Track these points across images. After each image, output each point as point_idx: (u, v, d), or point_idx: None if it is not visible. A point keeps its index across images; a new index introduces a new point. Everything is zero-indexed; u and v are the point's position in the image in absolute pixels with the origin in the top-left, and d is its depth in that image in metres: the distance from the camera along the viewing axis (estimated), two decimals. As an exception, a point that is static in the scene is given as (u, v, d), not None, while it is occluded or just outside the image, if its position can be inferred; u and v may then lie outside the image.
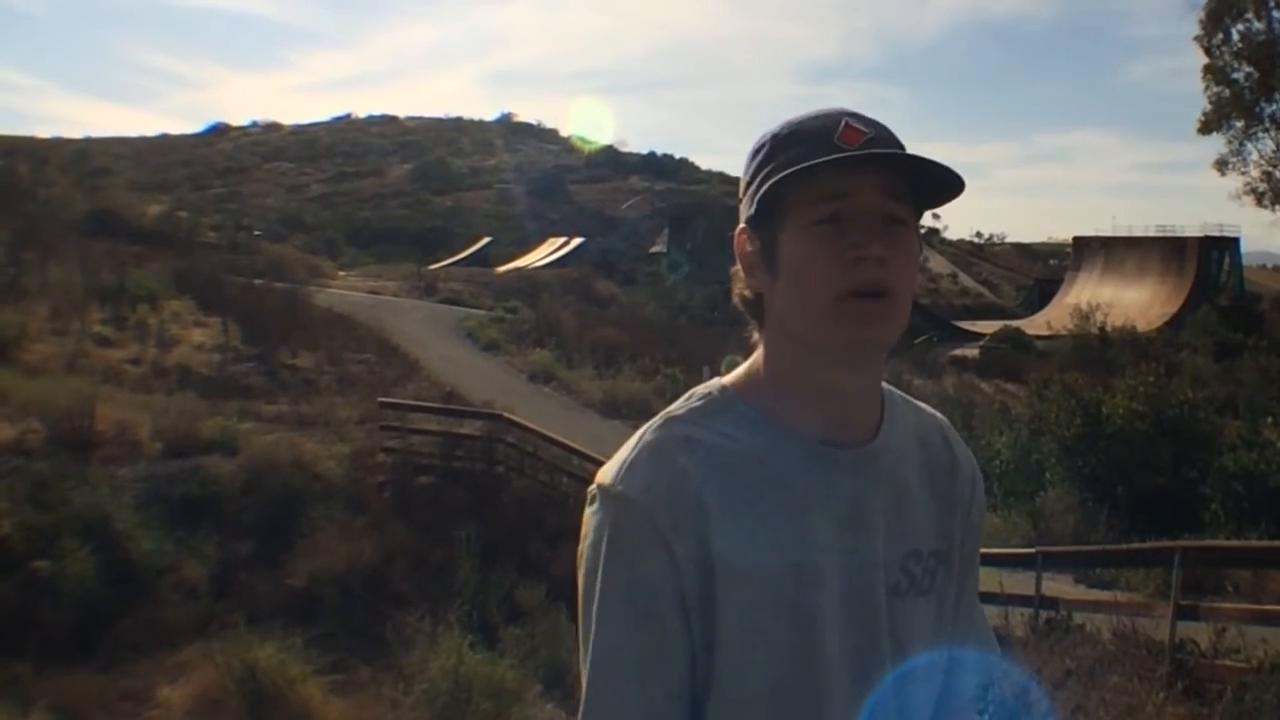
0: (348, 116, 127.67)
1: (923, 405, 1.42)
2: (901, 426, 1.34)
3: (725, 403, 1.28)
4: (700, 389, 1.31)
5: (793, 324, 1.24)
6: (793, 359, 1.26)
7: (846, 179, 1.20)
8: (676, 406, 1.29)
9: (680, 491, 1.19)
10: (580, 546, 1.24)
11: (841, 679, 1.23)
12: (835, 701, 1.23)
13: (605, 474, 1.25)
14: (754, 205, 1.25)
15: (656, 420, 1.27)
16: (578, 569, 1.24)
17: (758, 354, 1.31)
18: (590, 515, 1.24)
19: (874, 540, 1.27)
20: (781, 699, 1.21)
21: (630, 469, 1.22)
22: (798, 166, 1.19)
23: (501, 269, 52.58)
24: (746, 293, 1.30)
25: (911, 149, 1.22)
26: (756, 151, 1.28)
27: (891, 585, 1.28)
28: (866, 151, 1.20)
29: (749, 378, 1.30)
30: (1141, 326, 44.20)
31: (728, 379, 1.32)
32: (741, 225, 1.29)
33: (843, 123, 1.23)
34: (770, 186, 1.21)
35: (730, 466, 1.22)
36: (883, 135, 1.23)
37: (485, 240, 66.16)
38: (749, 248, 1.28)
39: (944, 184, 1.24)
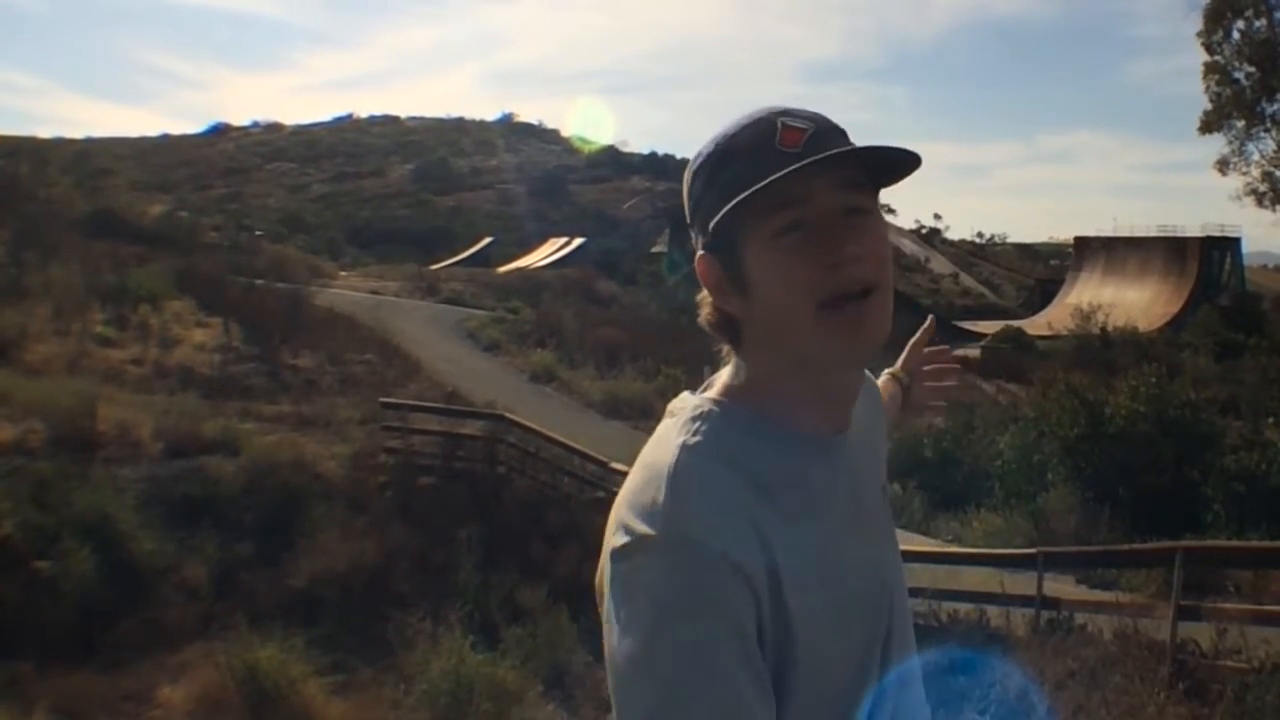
0: (349, 117, 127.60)
1: None
2: None
3: (729, 417, 1.22)
4: (691, 409, 1.24)
5: (780, 340, 1.20)
6: (784, 369, 1.22)
7: (799, 184, 1.14)
8: (686, 434, 1.20)
9: (738, 518, 1.12)
10: (626, 610, 1.11)
11: (882, 665, 1.23)
12: (874, 681, 1.23)
13: (644, 523, 1.13)
14: (708, 233, 1.20)
15: (674, 453, 1.18)
16: (619, 637, 1.10)
17: (736, 367, 1.26)
18: (634, 573, 1.11)
19: (879, 503, 1.30)
20: (844, 698, 1.19)
21: (680, 508, 1.12)
22: (746, 193, 1.13)
23: (503, 269, 52.52)
24: (716, 316, 1.25)
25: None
26: (695, 175, 1.22)
27: (890, 535, 1.32)
28: (816, 157, 1.14)
29: (738, 390, 1.25)
30: (1143, 327, 44.23)
31: (712, 394, 1.26)
32: (700, 253, 1.23)
33: (778, 125, 1.17)
34: (724, 214, 1.16)
35: (763, 481, 1.17)
36: (823, 127, 1.19)
37: (486, 240, 66.09)
38: (713, 275, 1.22)
39: (899, 163, 1.19)
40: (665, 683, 1.06)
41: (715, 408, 1.23)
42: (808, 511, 1.19)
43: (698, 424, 1.21)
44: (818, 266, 1.15)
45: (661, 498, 1.13)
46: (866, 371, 1.44)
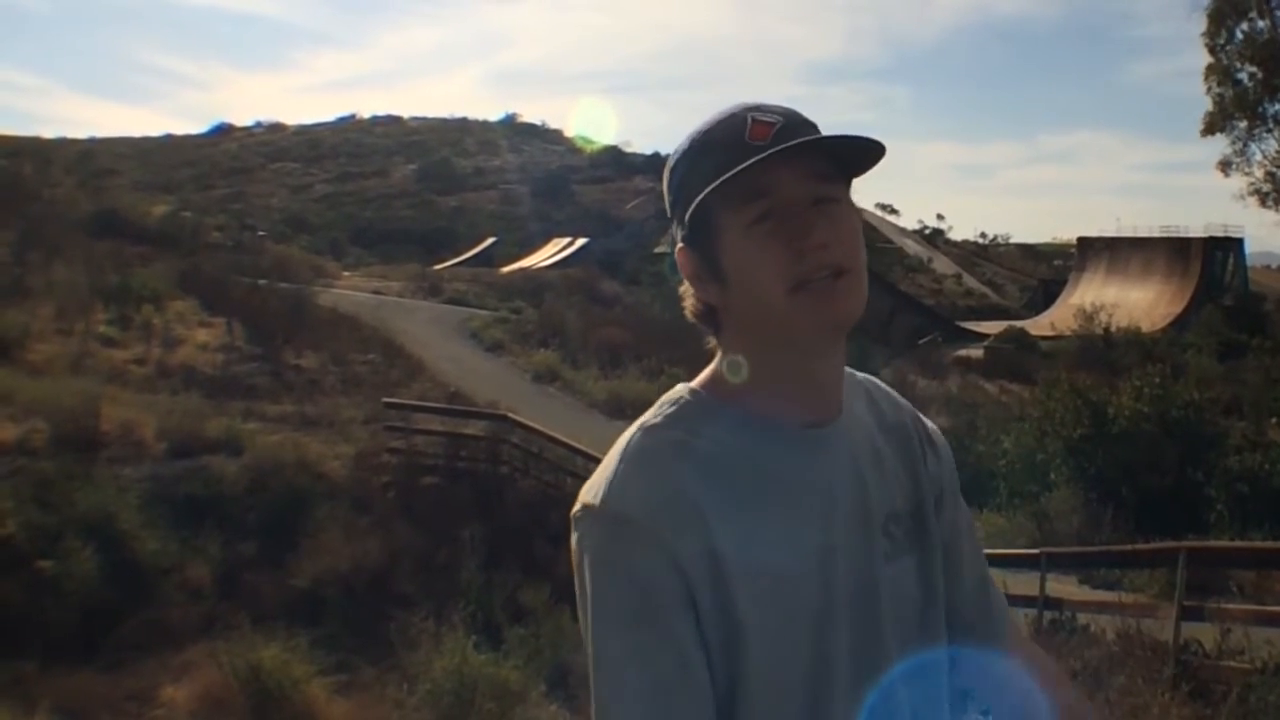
0: (352, 117, 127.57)
1: (857, 373, 1.42)
2: (854, 395, 1.35)
3: (699, 404, 1.27)
4: (668, 396, 1.30)
5: (755, 325, 1.24)
6: (760, 356, 1.25)
7: (767, 176, 1.18)
8: (651, 416, 1.27)
9: (675, 499, 1.17)
10: (577, 576, 1.19)
11: (848, 660, 1.23)
12: (847, 685, 1.22)
13: (591, 494, 1.20)
14: (685, 225, 1.25)
15: (633, 433, 1.25)
16: (578, 597, 1.19)
17: (719, 356, 1.30)
18: (580, 540, 1.19)
19: (864, 513, 1.28)
20: (802, 687, 1.20)
21: (620, 485, 1.19)
22: (715, 183, 1.17)
23: (506, 269, 52.53)
24: (699, 306, 1.30)
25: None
26: (672, 171, 1.28)
27: (880, 552, 1.29)
28: (778, 148, 1.18)
29: (716, 378, 1.29)
30: (1146, 327, 44.23)
31: (695, 383, 1.31)
32: (679, 246, 1.28)
33: (748, 119, 1.22)
34: (696, 205, 1.21)
35: (719, 467, 1.20)
36: (793, 120, 1.22)
37: (489, 241, 66.08)
38: (691, 266, 1.27)
39: (864, 152, 1.23)
40: (598, 645, 1.16)
41: (688, 395, 1.28)
42: (770, 501, 1.21)
43: (665, 408, 1.27)
44: (787, 253, 1.19)
45: (609, 473, 1.20)
46: (903, 399, 1.44)
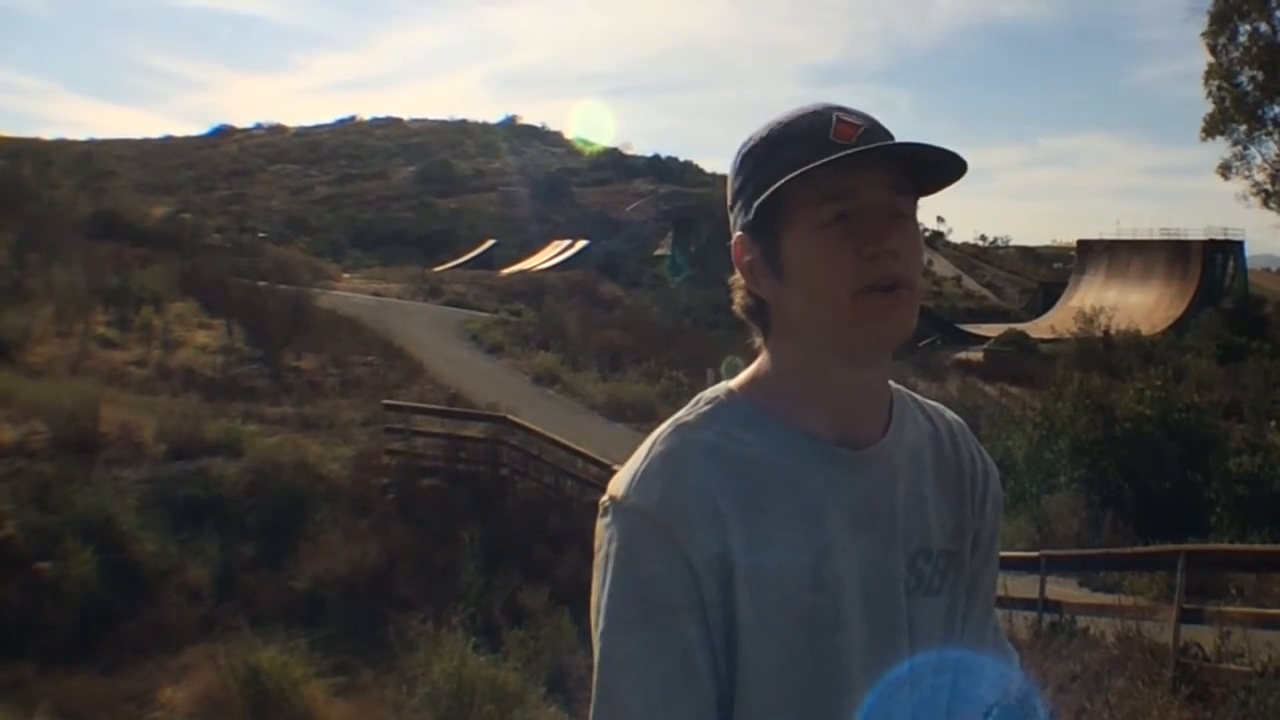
0: (352, 119, 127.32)
1: (938, 406, 1.40)
2: (912, 425, 1.32)
3: (734, 407, 1.25)
4: (707, 394, 1.28)
5: (808, 326, 1.22)
6: (803, 361, 1.24)
7: (850, 178, 1.16)
8: (685, 413, 1.26)
9: (695, 499, 1.16)
10: (596, 561, 1.20)
11: (860, 680, 1.22)
12: (855, 704, 1.21)
13: (617, 485, 1.20)
14: (753, 212, 1.22)
15: (666, 428, 1.24)
16: (593, 585, 1.21)
17: (763, 358, 1.28)
18: (602, 529, 1.20)
19: (888, 539, 1.26)
20: (803, 703, 1.19)
21: (643, 479, 1.19)
22: (804, 169, 1.15)
23: (506, 271, 52.51)
24: (749, 301, 1.27)
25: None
26: (746, 157, 1.24)
27: (902, 583, 1.27)
28: (875, 146, 1.17)
29: (756, 381, 1.27)
30: (1146, 330, 44.18)
31: (734, 383, 1.29)
32: (738, 234, 1.25)
33: (834, 118, 1.20)
34: (773, 192, 1.18)
35: (743, 470, 1.19)
36: (874, 126, 1.21)
37: (489, 243, 65.99)
38: (749, 256, 1.24)
39: (945, 170, 1.21)
40: (605, 635, 1.17)
41: (725, 396, 1.27)
42: (792, 512, 1.20)
43: (700, 406, 1.26)
44: (857, 256, 1.17)
45: (637, 468, 1.20)
46: (985, 454, 1.40)
